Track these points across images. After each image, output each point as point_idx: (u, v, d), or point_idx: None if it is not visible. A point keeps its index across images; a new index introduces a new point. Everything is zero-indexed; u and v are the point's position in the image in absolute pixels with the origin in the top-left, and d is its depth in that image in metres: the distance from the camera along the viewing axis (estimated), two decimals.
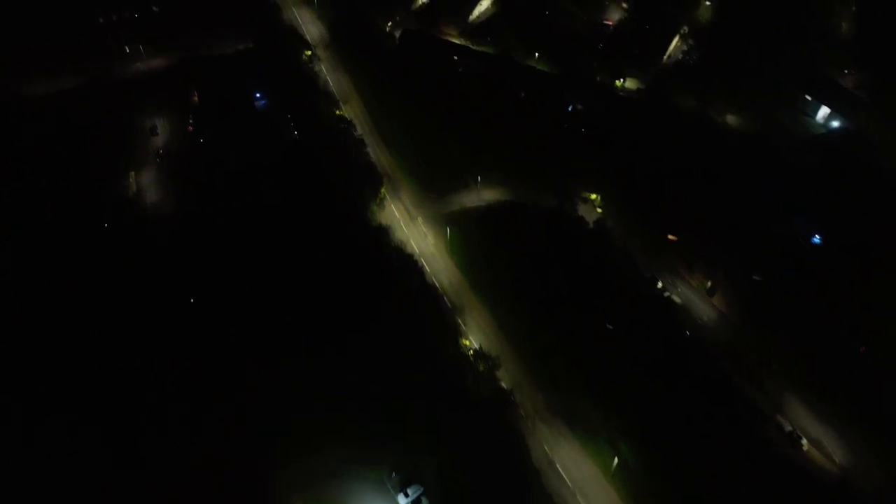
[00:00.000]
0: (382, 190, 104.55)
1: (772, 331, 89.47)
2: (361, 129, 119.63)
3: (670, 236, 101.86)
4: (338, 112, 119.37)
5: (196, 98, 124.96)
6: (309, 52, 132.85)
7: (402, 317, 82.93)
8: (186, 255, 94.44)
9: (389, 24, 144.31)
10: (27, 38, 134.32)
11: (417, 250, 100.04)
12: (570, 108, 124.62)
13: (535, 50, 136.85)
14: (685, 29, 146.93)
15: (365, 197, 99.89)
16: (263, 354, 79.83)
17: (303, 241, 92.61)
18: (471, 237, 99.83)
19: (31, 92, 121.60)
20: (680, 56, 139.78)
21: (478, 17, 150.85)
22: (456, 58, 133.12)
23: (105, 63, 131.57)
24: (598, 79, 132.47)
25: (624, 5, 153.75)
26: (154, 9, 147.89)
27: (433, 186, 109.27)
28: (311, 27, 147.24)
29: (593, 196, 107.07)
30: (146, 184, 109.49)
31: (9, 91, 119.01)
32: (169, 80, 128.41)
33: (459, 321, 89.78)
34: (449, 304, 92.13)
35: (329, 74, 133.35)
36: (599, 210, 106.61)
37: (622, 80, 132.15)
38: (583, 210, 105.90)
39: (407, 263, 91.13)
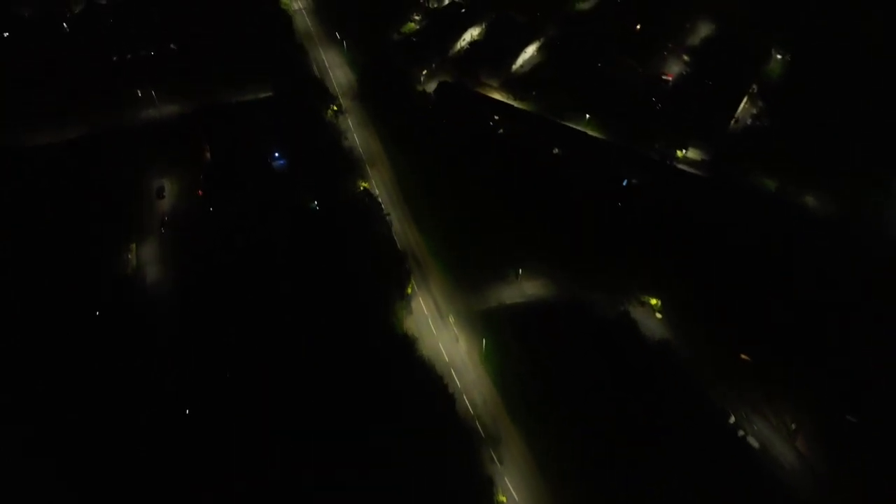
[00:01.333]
0: (410, 287, 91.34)
1: (874, 490, 74.01)
2: (389, 200, 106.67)
3: (743, 356, 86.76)
4: (364, 184, 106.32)
5: (209, 154, 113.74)
6: (335, 108, 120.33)
7: (428, 462, 69.74)
8: (184, 352, 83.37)
9: (424, 72, 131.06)
10: (35, 79, 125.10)
11: (447, 358, 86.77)
12: (624, 183, 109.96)
13: (585, 109, 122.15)
14: (754, 87, 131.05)
15: (390, 297, 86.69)
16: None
17: (316, 348, 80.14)
18: (509, 347, 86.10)
19: (31, 142, 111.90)
20: (749, 121, 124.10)
21: (521, 65, 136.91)
22: (497, 118, 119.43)
23: (115, 109, 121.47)
24: (657, 146, 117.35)
25: (685, 58, 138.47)
26: (172, 46, 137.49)
27: (468, 276, 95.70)
28: (338, 72, 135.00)
29: (653, 301, 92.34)
30: (147, 258, 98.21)
31: (7, 141, 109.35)
32: (181, 131, 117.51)
33: (495, 458, 76.28)
34: (482, 433, 78.75)
35: (356, 130, 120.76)
36: (659, 316, 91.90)
37: (684, 149, 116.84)
38: (639, 314, 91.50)
39: (437, 386, 77.82)
